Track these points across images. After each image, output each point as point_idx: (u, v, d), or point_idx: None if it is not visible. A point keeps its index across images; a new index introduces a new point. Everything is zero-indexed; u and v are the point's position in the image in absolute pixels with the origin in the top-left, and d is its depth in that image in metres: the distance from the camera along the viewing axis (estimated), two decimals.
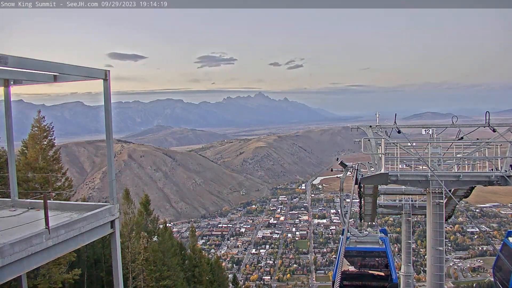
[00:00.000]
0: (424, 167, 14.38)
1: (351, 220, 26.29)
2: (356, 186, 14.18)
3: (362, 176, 13.58)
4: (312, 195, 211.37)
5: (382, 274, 13.46)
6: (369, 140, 14.77)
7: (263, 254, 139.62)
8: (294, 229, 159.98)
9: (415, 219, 74.61)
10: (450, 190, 13.19)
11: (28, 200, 9.74)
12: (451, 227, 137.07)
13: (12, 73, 8.81)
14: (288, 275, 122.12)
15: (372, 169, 14.71)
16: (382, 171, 13.31)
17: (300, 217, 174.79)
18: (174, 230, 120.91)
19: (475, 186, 14.66)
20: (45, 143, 19.71)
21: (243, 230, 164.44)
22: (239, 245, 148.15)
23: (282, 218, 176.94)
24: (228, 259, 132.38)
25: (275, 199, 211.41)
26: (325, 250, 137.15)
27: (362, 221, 22.48)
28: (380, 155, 13.85)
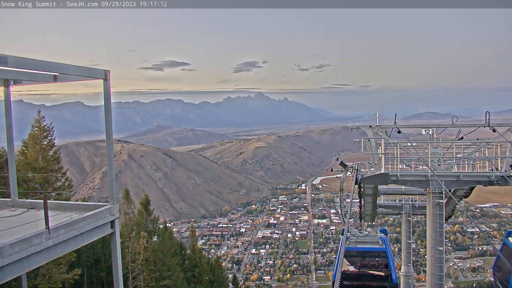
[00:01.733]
0: (424, 167, 14.38)
1: (351, 220, 26.31)
2: (356, 186, 14.19)
3: (362, 176, 13.59)
4: (312, 195, 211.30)
5: (382, 274, 13.45)
6: (369, 140, 14.78)
7: (263, 254, 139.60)
8: (294, 229, 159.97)
9: (415, 219, 74.62)
10: (450, 190, 13.20)
11: (28, 200, 9.74)
12: (451, 227, 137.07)
13: (12, 73, 8.81)
14: (288, 275, 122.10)
15: (372, 169, 14.71)
16: (382, 171, 13.32)
17: (300, 217, 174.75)
18: (174, 230, 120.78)
19: (475, 186, 14.67)
20: (45, 143, 19.74)
21: (243, 230, 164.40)
22: (239, 245, 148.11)
23: (282, 218, 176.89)
24: (228, 259, 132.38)
25: (275, 199, 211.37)
26: (325, 250, 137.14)
27: (362, 221, 22.49)
28: (380, 155, 13.86)
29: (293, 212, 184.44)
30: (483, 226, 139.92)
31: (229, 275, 58.26)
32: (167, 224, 42.31)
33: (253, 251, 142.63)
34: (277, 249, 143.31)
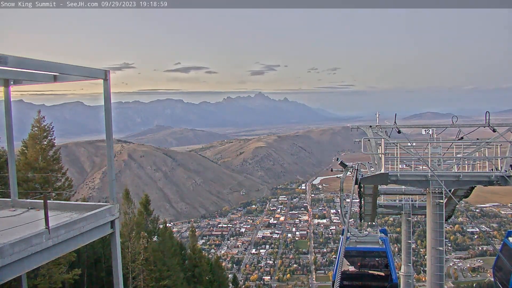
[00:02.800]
0: (424, 167, 14.38)
1: (351, 220, 26.32)
2: (356, 186, 14.18)
3: (362, 176, 13.58)
4: (312, 195, 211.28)
5: (382, 274, 13.44)
6: (369, 140, 14.77)
7: (263, 254, 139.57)
8: (294, 229, 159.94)
9: (415, 219, 74.59)
10: (450, 190, 13.19)
11: (28, 200, 9.72)
12: (451, 227, 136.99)
13: (12, 73, 8.79)
14: (288, 275, 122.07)
15: (372, 169, 14.70)
16: (382, 171, 13.31)
17: (300, 217, 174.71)
18: (174, 230, 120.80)
19: (475, 186, 14.67)
20: (45, 143, 19.74)
21: (243, 230, 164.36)
22: (239, 245, 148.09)
23: (282, 218, 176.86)
24: (228, 259, 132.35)
25: (275, 199, 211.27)
26: (325, 250, 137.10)
27: (362, 221, 22.48)
28: (380, 155, 13.85)
29: (293, 212, 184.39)
30: (483, 226, 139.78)
31: (229, 275, 58.30)
32: (167, 224, 42.35)
33: (253, 251, 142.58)
34: (277, 249, 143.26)
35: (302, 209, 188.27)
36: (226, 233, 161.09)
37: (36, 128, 19.66)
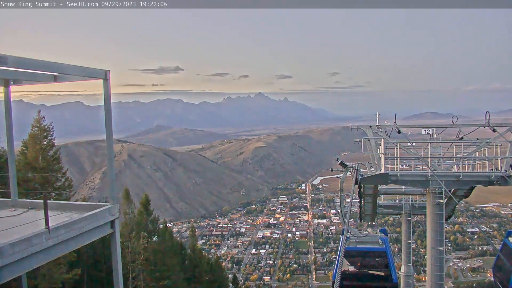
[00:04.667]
0: (424, 167, 14.39)
1: (351, 220, 26.31)
2: (356, 186, 14.20)
3: (362, 176, 13.59)
4: (312, 195, 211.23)
5: (382, 274, 13.44)
6: (369, 140, 14.79)
7: (263, 254, 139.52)
8: (294, 229, 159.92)
9: (415, 219, 74.52)
10: (450, 190, 13.19)
11: (28, 200, 9.71)
12: (451, 227, 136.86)
13: (12, 73, 8.79)
14: (288, 275, 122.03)
15: (372, 169, 14.71)
16: (382, 171, 13.31)
17: (300, 217, 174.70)
18: (174, 230, 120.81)
19: (475, 186, 14.68)
20: (45, 143, 19.75)
21: (243, 230, 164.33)
22: (239, 245, 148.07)
23: (282, 218, 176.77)
24: (228, 259, 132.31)
25: (275, 199, 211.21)
26: (325, 250, 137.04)
27: (362, 221, 22.48)
28: (380, 155, 13.85)
29: (293, 212, 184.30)
30: (483, 226, 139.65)
31: (229, 275, 58.25)
32: (167, 224, 42.37)
33: (253, 251, 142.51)
34: (277, 249, 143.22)
35: (302, 209, 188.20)
36: (226, 233, 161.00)
37: (36, 128, 19.66)
